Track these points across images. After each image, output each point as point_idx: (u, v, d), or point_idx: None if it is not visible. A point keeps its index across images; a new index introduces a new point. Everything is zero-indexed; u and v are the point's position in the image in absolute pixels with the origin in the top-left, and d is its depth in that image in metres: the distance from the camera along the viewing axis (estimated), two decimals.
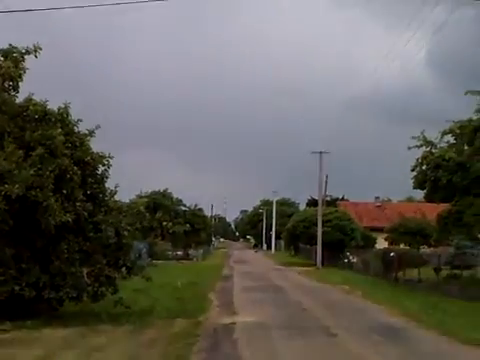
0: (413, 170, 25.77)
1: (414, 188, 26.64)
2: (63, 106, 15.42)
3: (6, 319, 13.28)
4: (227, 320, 15.30)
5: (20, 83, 15.30)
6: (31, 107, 14.84)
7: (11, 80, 15.10)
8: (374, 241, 49.55)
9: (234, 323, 14.78)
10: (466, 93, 22.41)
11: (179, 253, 54.52)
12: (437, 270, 25.78)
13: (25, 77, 15.34)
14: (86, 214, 14.85)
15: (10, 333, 12.55)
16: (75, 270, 14.34)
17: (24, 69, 15.22)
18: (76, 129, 15.72)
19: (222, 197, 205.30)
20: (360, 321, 15.43)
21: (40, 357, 10.20)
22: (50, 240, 14.39)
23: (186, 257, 54.08)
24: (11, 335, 12.36)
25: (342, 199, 76.42)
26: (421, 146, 25.00)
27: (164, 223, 61.04)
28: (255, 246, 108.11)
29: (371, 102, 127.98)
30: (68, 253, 14.41)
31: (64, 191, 14.61)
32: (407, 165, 26.12)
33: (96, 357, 10.22)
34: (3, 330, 12.69)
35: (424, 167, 25.14)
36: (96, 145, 15.97)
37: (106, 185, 16.17)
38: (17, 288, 13.59)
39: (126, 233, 15.63)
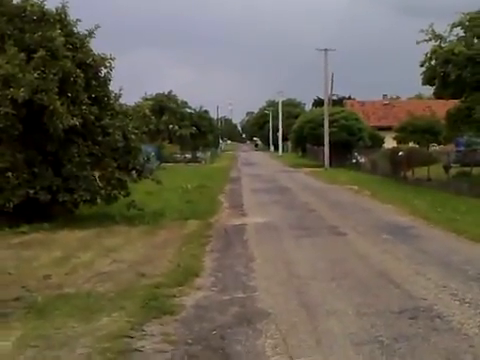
0: (422, 66, 25.30)
1: (423, 84, 26.29)
2: (61, 6, 15.09)
3: (24, 222, 13.75)
4: (237, 221, 15.70)
5: None
6: (29, 7, 14.58)
7: None
8: (382, 141, 49.59)
9: (244, 224, 15.16)
10: None
11: (187, 156, 54.89)
12: (446, 168, 25.80)
13: None
14: (93, 118, 14.92)
15: (29, 235, 13.03)
16: (87, 173, 14.61)
17: None
18: (75, 30, 15.46)
19: (227, 99, 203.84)
20: (368, 220, 15.74)
21: (59, 258, 10.62)
22: (60, 144, 14.57)
23: (194, 160, 54.49)
24: (30, 237, 12.85)
25: (349, 98, 75.70)
26: (430, 40, 24.42)
27: (171, 126, 61.11)
28: (256, 145, 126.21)
29: None
30: (79, 157, 14.63)
31: (69, 94, 14.64)
32: (416, 61, 25.69)
33: (112, 257, 10.59)
34: (22, 232, 13.18)
35: (433, 62, 24.65)
36: (96, 47, 15.80)
37: (110, 88, 16.13)
38: (32, 192, 13.95)
39: (133, 137, 15.74)
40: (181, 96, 69.10)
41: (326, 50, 45.42)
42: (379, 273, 9.46)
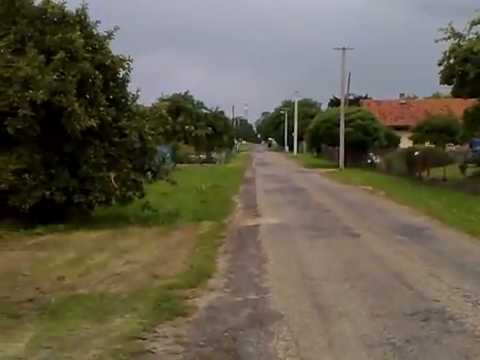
0: (440, 64, 25.09)
1: (441, 83, 26.06)
2: (81, 8, 15.19)
3: (39, 223, 13.84)
4: (251, 222, 15.66)
5: None
6: (49, 9, 14.68)
7: None
8: (398, 140, 49.34)
9: (258, 225, 15.13)
10: None
11: (202, 156, 54.97)
12: (463, 168, 25.58)
13: None
14: (110, 119, 14.99)
15: (44, 236, 13.12)
16: (103, 175, 14.66)
17: None
18: (95, 31, 15.56)
19: (243, 99, 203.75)
20: (383, 221, 15.68)
21: (74, 259, 10.67)
22: (77, 145, 14.65)
23: (209, 160, 54.56)
24: (45, 238, 12.93)
25: (365, 98, 75.36)
26: (449, 38, 24.21)
27: (186, 127, 61.25)
28: (269, 145, 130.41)
29: None
30: (95, 158, 14.69)
31: (87, 96, 14.74)
32: (434, 60, 25.51)
33: (127, 258, 10.63)
34: (38, 233, 13.27)
35: (452, 61, 24.44)
36: (114, 48, 15.89)
37: (128, 89, 16.20)
38: (47, 193, 14.02)
39: (150, 138, 15.77)
40: (197, 96, 69.36)
41: (344, 49, 45.05)
42: (393, 274, 9.42)
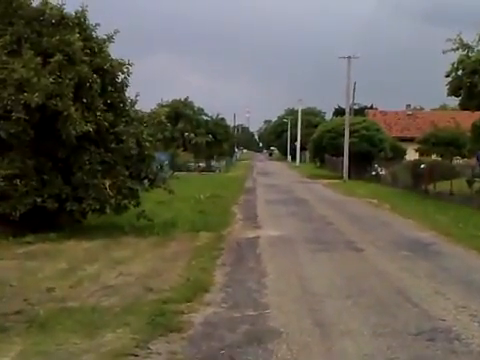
0: (448, 76, 25.11)
1: (448, 95, 26.08)
2: (80, 10, 15.19)
3: (30, 231, 13.75)
4: (251, 234, 15.59)
5: None
6: (48, 11, 14.67)
7: None
8: (404, 152, 49.36)
9: (258, 237, 15.06)
10: None
11: (201, 164, 54.99)
12: (470, 182, 25.52)
13: None
14: (107, 124, 14.93)
15: (34, 245, 13.02)
16: (97, 182, 14.58)
17: None
18: (94, 34, 15.54)
19: (245, 106, 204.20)
20: (387, 236, 15.61)
21: (64, 269, 10.58)
22: (72, 151, 14.59)
23: (208, 169, 54.56)
24: (35, 247, 12.82)
25: (370, 108, 75.45)
26: (457, 49, 24.22)
27: (186, 134, 61.34)
28: (270, 154, 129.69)
29: None
30: (90, 164, 14.62)
31: (84, 100, 14.67)
32: (442, 71, 25.52)
33: (120, 270, 10.53)
34: (27, 242, 13.17)
35: (460, 72, 24.45)
36: (113, 52, 15.87)
37: (126, 94, 16.17)
38: (39, 200, 13.95)
39: (148, 144, 15.72)
40: (197, 103, 69.49)
41: (349, 58, 45.22)
42: (397, 291, 9.35)
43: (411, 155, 44.64)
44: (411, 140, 48.11)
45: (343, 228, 17.24)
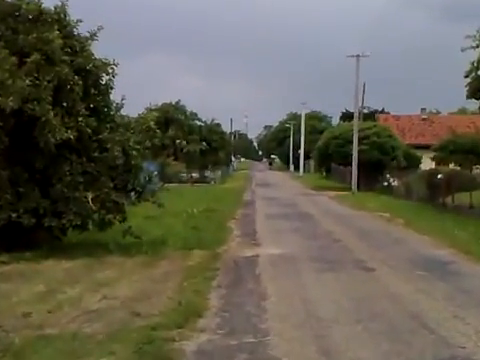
0: (467, 76, 25.24)
1: (468, 98, 26.21)
2: (60, 4, 15.26)
3: (3, 250, 13.74)
4: (249, 252, 15.62)
5: None
6: (24, 6, 14.73)
7: None
8: (419, 161, 49.46)
9: (257, 256, 15.10)
10: None
11: (194, 175, 55.09)
12: None
13: None
14: (90, 131, 14.95)
15: (9, 265, 13.00)
16: (79, 195, 14.58)
17: None
18: (75, 31, 15.61)
19: (242, 110, 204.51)
20: (401, 254, 15.64)
21: (42, 292, 10.57)
22: (50, 161, 14.60)
23: (202, 180, 54.63)
24: (10, 268, 12.81)
25: (382, 112, 75.73)
26: (477, 47, 24.35)
27: (177, 141, 61.40)
28: (270, 163, 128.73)
29: None
30: (70, 175, 14.62)
31: (64, 104, 14.72)
32: (460, 71, 25.65)
33: (103, 292, 10.53)
34: (1, 262, 13.14)
35: None
36: (97, 51, 15.92)
37: (111, 97, 16.22)
38: (14, 215, 13.94)
39: (135, 153, 15.73)
40: (190, 106, 69.65)
41: (358, 56, 45.16)
42: (412, 316, 9.36)
43: (427, 164, 44.67)
44: (427, 147, 48.18)
45: (351, 245, 17.28)
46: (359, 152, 44.43)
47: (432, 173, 33.21)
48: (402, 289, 11.41)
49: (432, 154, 44.32)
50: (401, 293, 11.07)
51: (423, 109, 67.36)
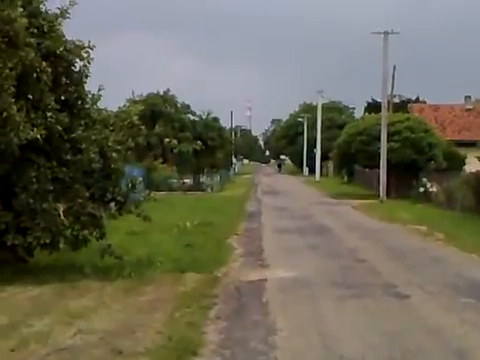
0: None
1: None
2: None
3: None
4: (254, 275, 15.69)
5: None
6: None
7: None
8: (463, 161, 49.44)
9: (264, 280, 15.16)
10: None
11: (187, 181, 55.17)
12: None
13: None
14: (61, 129, 15.00)
15: None
16: (48, 206, 14.61)
17: None
18: (43, 8, 15.69)
19: (245, 101, 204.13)
20: (441, 276, 15.68)
21: (4, 325, 10.60)
22: (13, 166, 14.64)
23: (197, 187, 54.70)
24: None
25: (416, 101, 75.81)
26: None
27: (166, 140, 61.50)
28: (279, 166, 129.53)
29: None
30: (38, 183, 14.65)
31: (30, 97, 14.75)
32: None
33: (78, 325, 10.57)
34: None
35: None
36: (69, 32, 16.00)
37: (86, 87, 16.28)
38: None
39: (115, 155, 15.78)
40: (181, 97, 69.87)
41: (386, 33, 44.99)
42: (456, 354, 9.38)
43: (473, 165, 44.64)
44: (473, 144, 48.19)
45: (380, 266, 17.31)
46: (388, 151, 44.42)
47: None
48: (443, 321, 11.43)
49: (479, 152, 44.34)
50: (442, 326, 11.09)
51: (467, 97, 67.18)
